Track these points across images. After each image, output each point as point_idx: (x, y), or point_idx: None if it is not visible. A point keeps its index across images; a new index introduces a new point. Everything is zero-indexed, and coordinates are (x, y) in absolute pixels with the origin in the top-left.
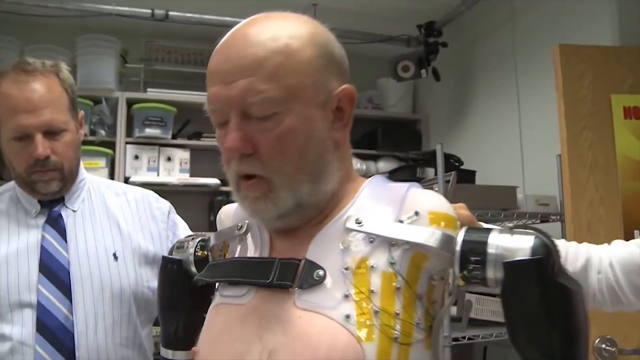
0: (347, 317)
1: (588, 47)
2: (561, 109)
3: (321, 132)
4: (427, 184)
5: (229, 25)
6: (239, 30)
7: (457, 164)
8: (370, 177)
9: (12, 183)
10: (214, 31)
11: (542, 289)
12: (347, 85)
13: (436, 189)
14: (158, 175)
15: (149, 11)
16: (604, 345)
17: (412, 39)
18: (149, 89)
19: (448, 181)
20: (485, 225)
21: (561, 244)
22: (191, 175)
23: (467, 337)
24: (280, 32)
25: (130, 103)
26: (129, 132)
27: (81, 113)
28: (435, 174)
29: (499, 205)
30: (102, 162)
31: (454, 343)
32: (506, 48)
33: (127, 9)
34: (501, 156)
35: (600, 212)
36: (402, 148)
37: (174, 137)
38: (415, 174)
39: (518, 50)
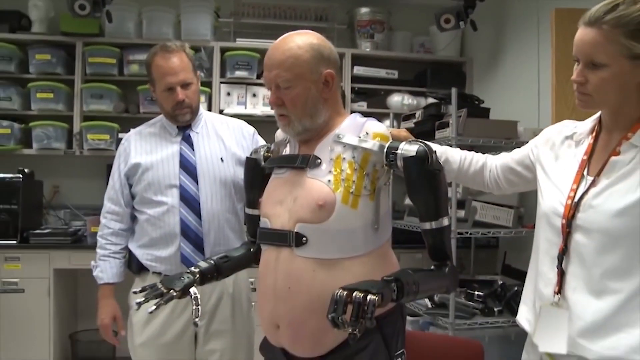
0: (329, 181)
1: (581, 10)
2: (553, 62)
3: (315, 94)
4: (446, 118)
5: None
6: (276, 43)
7: (476, 102)
8: (353, 113)
9: (160, 117)
10: None
11: (420, 171)
12: (330, 69)
13: (451, 121)
14: (245, 108)
15: None
16: None
17: None
18: (237, 39)
19: (460, 116)
20: (412, 140)
21: (469, 154)
22: (271, 108)
23: (470, 233)
24: (293, 45)
25: (223, 51)
26: (222, 74)
27: (198, 72)
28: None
29: (502, 135)
30: (202, 98)
31: (458, 236)
32: (531, 3)
33: None
34: (523, 95)
35: None
36: (448, 86)
37: (258, 77)
38: (440, 109)
39: (540, 6)
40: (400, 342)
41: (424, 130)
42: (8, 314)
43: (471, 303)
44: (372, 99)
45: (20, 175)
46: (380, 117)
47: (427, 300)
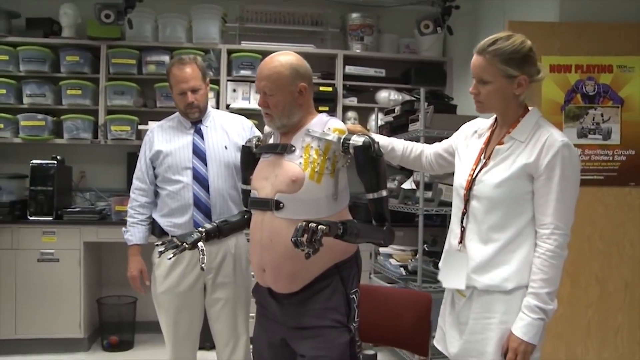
0: (300, 163)
1: (531, 22)
2: None
3: (291, 101)
4: (418, 113)
5: None
6: (265, 61)
7: (446, 99)
8: (322, 112)
9: (176, 113)
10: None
11: (366, 156)
12: (304, 83)
13: (420, 116)
14: (249, 103)
15: None
16: None
17: (434, 1)
18: (242, 42)
19: (427, 112)
20: (362, 133)
21: (411, 144)
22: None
23: (435, 210)
24: (277, 63)
25: (229, 52)
26: (229, 73)
27: (207, 79)
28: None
29: None
30: (211, 94)
31: (425, 213)
32: (498, 10)
33: None
34: None
35: None
36: (430, 84)
37: None
38: (413, 105)
39: (507, 12)
40: (355, 283)
41: (401, 123)
42: (46, 280)
43: (437, 270)
44: (362, 95)
45: (55, 162)
46: (369, 111)
47: (402, 269)
